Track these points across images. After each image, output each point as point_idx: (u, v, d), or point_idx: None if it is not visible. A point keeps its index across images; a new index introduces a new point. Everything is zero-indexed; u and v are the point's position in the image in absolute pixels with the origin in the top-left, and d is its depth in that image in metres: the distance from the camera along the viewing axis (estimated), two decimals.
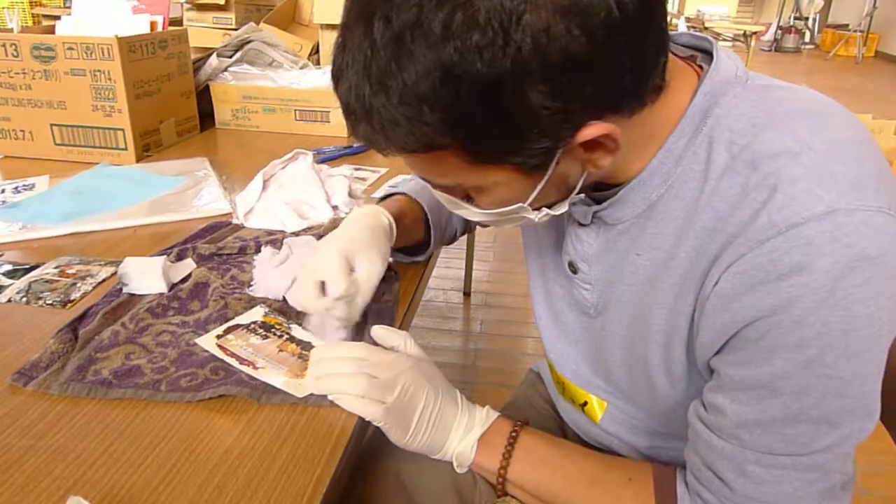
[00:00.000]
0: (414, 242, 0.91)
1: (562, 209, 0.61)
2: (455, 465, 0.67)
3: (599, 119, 0.51)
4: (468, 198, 0.61)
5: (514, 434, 0.67)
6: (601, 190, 0.63)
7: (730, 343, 0.53)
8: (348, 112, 0.51)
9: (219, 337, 0.74)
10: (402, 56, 0.46)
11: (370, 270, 0.75)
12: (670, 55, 0.57)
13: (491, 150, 0.51)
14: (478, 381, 2.11)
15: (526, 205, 0.58)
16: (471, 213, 0.62)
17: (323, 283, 0.73)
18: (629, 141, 0.56)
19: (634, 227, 0.62)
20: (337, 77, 0.51)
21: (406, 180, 1.07)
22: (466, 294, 2.61)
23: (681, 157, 0.57)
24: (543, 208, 0.60)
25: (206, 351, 0.72)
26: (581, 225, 0.67)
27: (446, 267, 2.80)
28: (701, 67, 0.60)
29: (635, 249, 0.62)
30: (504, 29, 0.44)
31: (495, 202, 0.59)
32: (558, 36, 0.45)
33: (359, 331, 0.77)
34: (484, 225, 0.84)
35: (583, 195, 0.62)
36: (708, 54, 0.61)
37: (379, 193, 1.24)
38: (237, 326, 0.76)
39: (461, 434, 0.67)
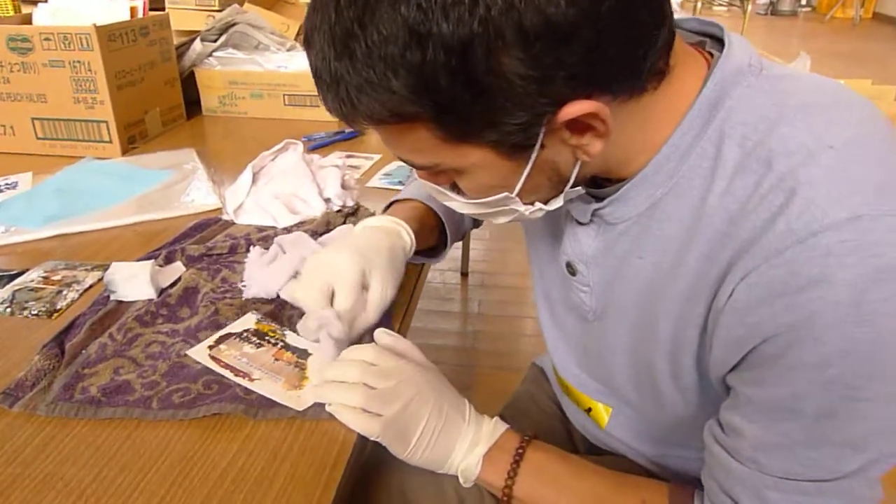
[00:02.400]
0: (427, 248, 0.88)
1: (556, 204, 0.58)
2: (461, 479, 0.65)
3: (588, 98, 0.47)
4: (456, 188, 0.58)
5: (520, 450, 0.64)
6: (601, 186, 0.60)
7: (746, 359, 0.50)
8: (317, 80, 0.48)
9: (211, 347, 0.71)
10: (364, 15, 0.43)
11: (382, 295, 0.72)
12: (677, 38, 0.53)
13: (463, 122, 0.48)
14: (476, 363, 2.09)
15: (513, 195, 0.55)
16: (458, 204, 0.59)
17: (331, 290, 0.71)
18: (628, 130, 0.52)
19: (636, 226, 0.58)
20: (308, 42, 0.48)
21: (411, 179, 1.04)
22: (464, 274, 2.58)
23: (687, 152, 0.53)
24: (536, 202, 0.57)
25: (199, 363, 0.69)
26: (580, 224, 0.63)
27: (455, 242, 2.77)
28: (711, 55, 0.56)
29: (637, 252, 0.58)
30: None
31: (478, 188, 0.56)
32: None
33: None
34: (478, 219, 0.80)
35: (581, 190, 0.58)
36: (718, 41, 0.57)
37: (373, 183, 1.21)
38: (230, 335, 0.73)
39: (466, 448, 0.64)
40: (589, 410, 0.76)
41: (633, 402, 0.69)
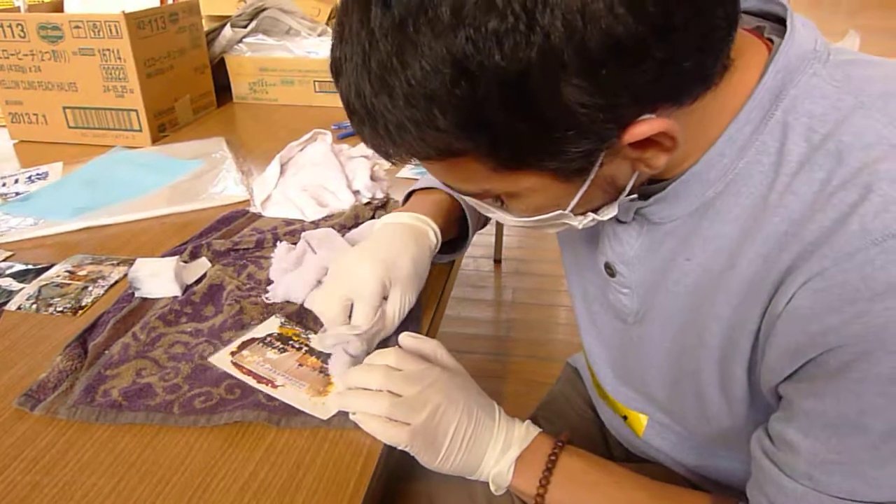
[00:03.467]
0: (448, 239, 0.85)
1: (610, 213, 0.53)
2: (492, 486, 0.62)
3: (653, 112, 0.43)
4: (501, 201, 0.54)
5: (553, 457, 0.61)
6: (647, 183, 0.56)
7: (804, 369, 0.46)
8: (350, 112, 0.44)
9: (233, 353, 0.69)
10: (405, 49, 0.39)
11: (400, 308, 0.70)
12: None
13: (520, 154, 0.44)
14: (510, 353, 2.06)
15: (567, 211, 0.51)
16: (505, 219, 0.55)
17: (351, 303, 0.68)
18: (687, 132, 0.47)
19: (684, 226, 0.54)
20: (336, 72, 0.44)
21: None
22: (497, 261, 2.54)
23: (745, 147, 0.49)
24: (589, 213, 0.53)
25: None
26: (620, 222, 0.59)
27: (477, 234, 2.74)
28: (770, 41, 0.51)
29: (685, 253, 0.54)
30: (527, 11, 0.36)
31: (530, 209, 0.52)
32: (597, 16, 0.37)
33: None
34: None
35: (634, 196, 0.54)
36: (780, 22, 0.52)
37: (403, 174, 1.17)
38: (252, 340, 0.71)
39: (498, 453, 0.61)
40: (625, 418, 0.72)
41: (668, 411, 0.65)
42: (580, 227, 0.54)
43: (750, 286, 0.48)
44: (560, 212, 0.51)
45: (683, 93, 0.44)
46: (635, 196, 0.54)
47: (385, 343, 0.71)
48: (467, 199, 0.56)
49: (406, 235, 0.74)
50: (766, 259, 0.47)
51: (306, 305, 0.76)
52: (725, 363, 0.53)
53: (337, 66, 0.44)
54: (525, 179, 0.47)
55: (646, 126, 0.42)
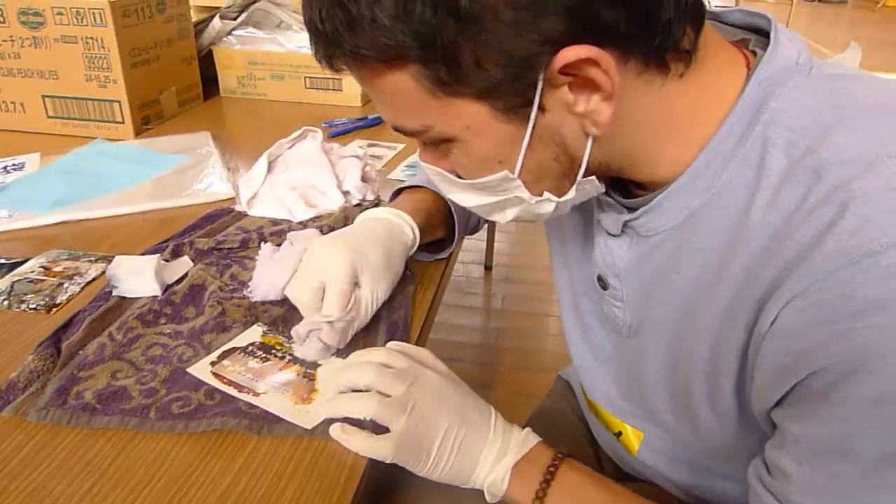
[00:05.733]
0: (434, 239, 0.84)
1: (569, 195, 0.54)
2: (486, 495, 0.61)
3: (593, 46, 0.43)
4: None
5: (552, 468, 0.60)
6: (633, 196, 0.56)
7: (792, 393, 0.46)
8: (309, 27, 0.48)
9: (213, 363, 0.67)
10: None
11: (372, 296, 0.71)
12: (711, 29, 0.50)
13: (450, 64, 0.45)
14: (498, 362, 2.05)
15: (514, 175, 0.51)
16: (462, 195, 0.57)
17: (323, 287, 0.69)
18: (650, 118, 0.49)
19: (672, 239, 0.54)
20: None
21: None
22: (487, 268, 2.54)
23: (728, 159, 0.49)
24: (546, 192, 0.53)
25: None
26: (611, 235, 0.60)
27: (467, 238, 2.73)
28: (754, 54, 0.52)
29: (674, 267, 0.54)
30: None
31: (474, 163, 0.52)
32: None
33: (362, 345, 0.71)
34: (486, 219, 0.77)
35: (601, 187, 0.55)
36: (765, 35, 0.52)
37: (395, 175, 1.17)
38: (233, 350, 0.70)
39: (493, 460, 0.60)
40: (619, 435, 0.72)
41: (668, 426, 0.64)
42: (535, 204, 0.54)
43: (735, 301, 0.49)
44: (506, 173, 0.51)
45: (623, 32, 0.44)
46: (602, 188, 0.55)
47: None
48: (427, 167, 0.57)
49: (379, 228, 0.75)
50: (749, 274, 0.47)
51: (287, 294, 0.75)
52: (714, 378, 0.54)
53: None
54: (464, 112, 0.48)
55: (576, 50, 0.43)
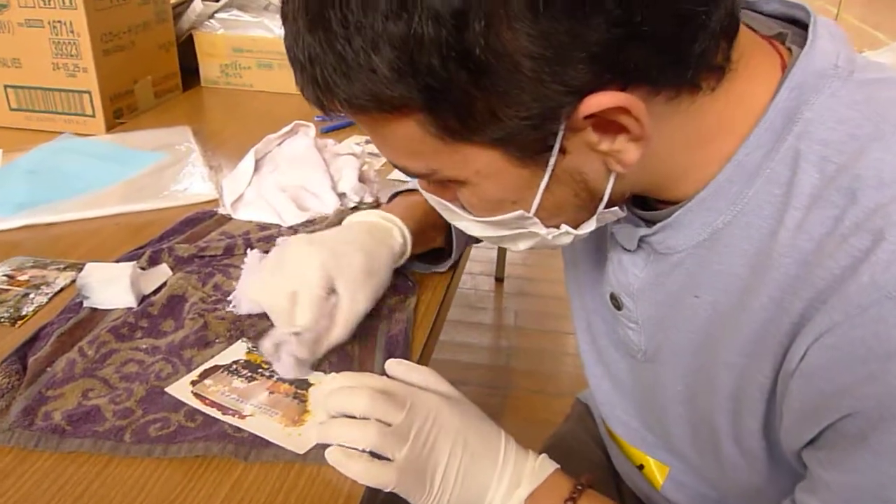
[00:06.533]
0: (432, 248, 0.86)
1: (587, 228, 0.55)
2: None
3: (621, 90, 0.44)
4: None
5: (571, 501, 0.61)
6: (651, 208, 0.58)
7: (823, 436, 0.48)
8: (291, 60, 0.47)
9: (194, 383, 0.69)
10: None
11: (352, 307, 0.72)
12: (745, 28, 0.50)
13: (461, 114, 0.45)
14: (510, 385, 2.07)
15: (529, 213, 0.52)
16: (468, 224, 0.57)
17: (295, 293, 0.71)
18: (678, 139, 0.50)
19: (692, 259, 0.55)
20: (283, 15, 0.47)
21: None
22: (499, 280, 2.56)
23: (755, 174, 0.50)
24: (563, 225, 0.55)
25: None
26: (625, 250, 0.61)
27: (476, 247, 2.75)
28: (790, 51, 0.53)
29: (694, 290, 0.56)
30: None
31: (485, 204, 0.53)
32: None
33: (359, 363, 0.73)
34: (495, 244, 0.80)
35: (621, 213, 0.56)
36: (804, 27, 0.53)
37: (396, 175, 1.19)
38: (216, 368, 0.72)
39: (504, 491, 0.61)
40: (641, 468, 0.73)
41: (692, 461, 0.66)
42: (552, 239, 0.55)
43: (762, 334, 0.50)
44: (521, 212, 0.52)
45: (653, 70, 0.44)
46: (623, 213, 0.56)
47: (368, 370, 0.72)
48: (429, 196, 0.58)
49: (362, 230, 0.76)
50: (778, 305, 0.48)
51: (251, 296, 0.77)
52: (739, 416, 0.55)
53: (283, 13, 0.47)
54: (474, 157, 0.48)
55: (604, 98, 0.43)
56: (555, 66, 0.42)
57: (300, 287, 0.71)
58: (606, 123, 0.46)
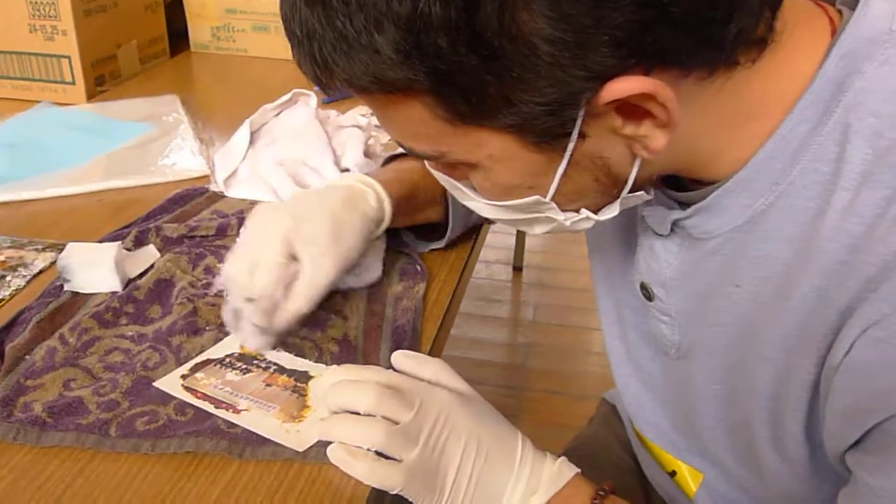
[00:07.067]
0: (428, 222, 0.87)
1: (610, 213, 0.56)
2: None
3: (646, 73, 0.44)
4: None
5: None
6: (683, 188, 0.58)
7: (869, 437, 0.48)
8: (288, 35, 0.47)
9: (184, 377, 0.70)
10: None
11: (314, 276, 0.73)
12: None
13: (472, 99, 0.45)
14: (528, 386, 2.08)
15: (546, 199, 0.53)
16: (479, 206, 0.58)
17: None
18: (714, 118, 0.50)
19: (730, 244, 0.56)
20: None
21: None
22: (517, 269, 2.56)
23: (800, 151, 0.50)
24: (583, 209, 0.55)
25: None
26: (657, 235, 0.61)
27: (492, 232, 2.75)
28: (840, 14, 0.52)
29: (733, 278, 0.56)
30: None
31: (498, 188, 0.54)
32: None
33: (364, 355, 0.74)
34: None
35: (646, 196, 0.56)
36: None
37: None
38: (208, 362, 0.73)
39: (520, 496, 0.62)
40: (673, 474, 0.74)
41: (728, 467, 0.66)
42: (570, 225, 0.56)
43: (805, 327, 0.50)
44: (537, 197, 0.53)
45: (683, 53, 0.45)
46: (649, 196, 0.56)
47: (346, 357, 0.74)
48: (438, 174, 0.59)
49: (331, 195, 0.77)
50: (822, 295, 0.49)
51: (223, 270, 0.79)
52: (778, 418, 0.55)
53: None
54: (487, 142, 0.49)
55: (627, 83, 0.44)
56: (575, 50, 0.42)
57: (259, 255, 0.72)
58: (631, 108, 0.46)
